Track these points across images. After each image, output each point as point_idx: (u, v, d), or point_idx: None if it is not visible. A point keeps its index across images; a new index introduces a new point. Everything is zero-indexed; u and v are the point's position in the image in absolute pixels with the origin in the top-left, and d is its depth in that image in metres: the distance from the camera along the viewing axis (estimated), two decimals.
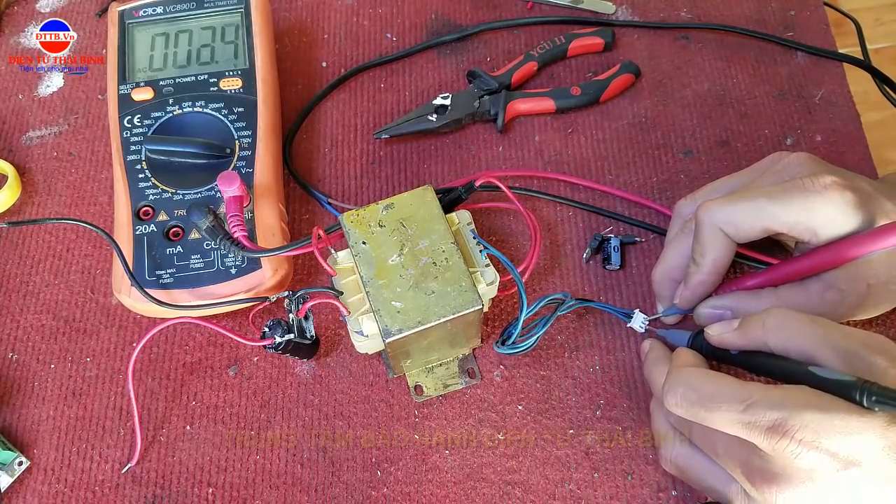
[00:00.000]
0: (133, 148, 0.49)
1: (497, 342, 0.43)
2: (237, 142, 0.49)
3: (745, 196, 0.39)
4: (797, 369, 0.33)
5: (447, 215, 0.42)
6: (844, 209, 0.36)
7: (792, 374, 0.33)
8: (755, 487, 0.33)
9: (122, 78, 0.51)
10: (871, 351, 0.32)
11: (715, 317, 0.42)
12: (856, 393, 0.30)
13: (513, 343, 0.43)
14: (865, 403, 0.30)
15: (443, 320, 0.39)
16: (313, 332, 0.43)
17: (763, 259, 0.45)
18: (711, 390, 0.33)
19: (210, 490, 0.43)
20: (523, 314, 0.41)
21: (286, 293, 0.41)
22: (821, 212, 0.37)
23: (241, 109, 0.50)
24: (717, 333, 0.38)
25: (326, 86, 0.56)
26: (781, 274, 0.41)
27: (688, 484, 0.40)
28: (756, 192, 0.39)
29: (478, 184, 0.46)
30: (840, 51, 0.56)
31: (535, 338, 0.43)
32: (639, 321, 0.44)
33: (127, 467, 0.44)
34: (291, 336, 0.41)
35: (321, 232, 0.42)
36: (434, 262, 0.40)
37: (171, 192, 0.47)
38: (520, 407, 0.45)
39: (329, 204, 0.51)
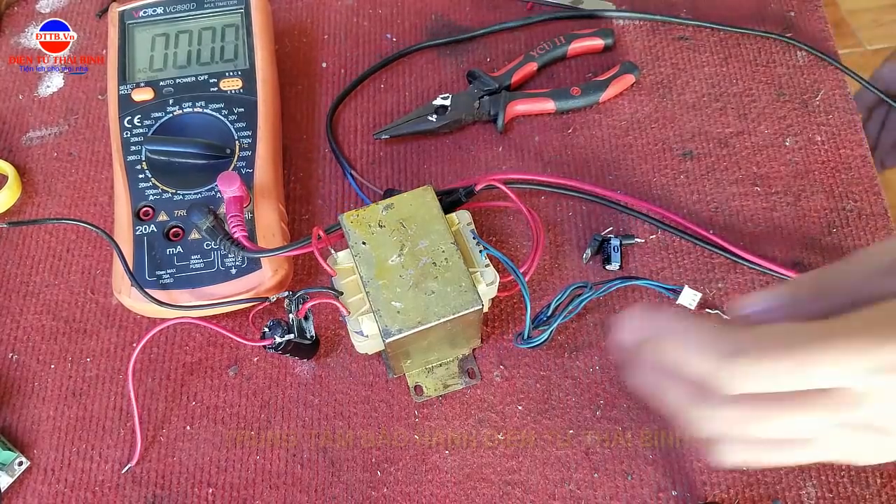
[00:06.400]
0: (133, 148, 0.49)
1: (516, 338, 0.44)
2: (237, 142, 0.49)
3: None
4: None
5: (447, 215, 0.42)
6: None
7: None
8: None
9: (123, 78, 0.51)
10: None
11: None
12: None
13: (528, 338, 0.43)
14: None
15: (443, 320, 0.39)
16: (313, 333, 0.43)
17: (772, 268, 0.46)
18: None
19: (210, 490, 0.43)
20: (529, 313, 0.42)
21: (286, 293, 0.41)
22: None
23: (241, 110, 0.50)
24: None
25: (377, 63, 0.57)
26: None
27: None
28: None
29: (478, 188, 0.46)
30: (840, 51, 0.56)
31: (550, 330, 0.43)
32: (688, 297, 0.42)
33: (127, 467, 0.44)
34: (291, 336, 0.41)
35: (321, 232, 0.42)
36: (434, 263, 0.40)
37: (172, 193, 0.47)
38: (520, 407, 0.45)
39: (351, 176, 0.52)
